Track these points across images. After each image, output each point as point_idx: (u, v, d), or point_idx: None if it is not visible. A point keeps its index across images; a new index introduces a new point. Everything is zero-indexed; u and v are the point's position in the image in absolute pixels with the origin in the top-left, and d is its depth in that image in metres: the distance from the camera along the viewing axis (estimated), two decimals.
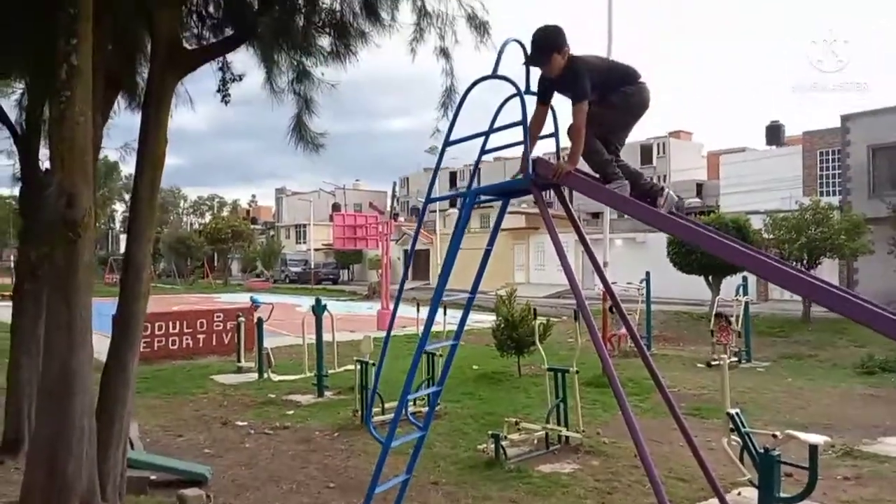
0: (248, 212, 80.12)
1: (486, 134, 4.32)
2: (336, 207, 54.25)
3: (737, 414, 5.35)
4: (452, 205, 42.54)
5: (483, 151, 4.48)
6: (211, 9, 5.50)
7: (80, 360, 4.00)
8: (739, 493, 5.47)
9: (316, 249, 52.05)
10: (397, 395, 5.44)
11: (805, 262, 18.51)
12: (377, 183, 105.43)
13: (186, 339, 13.98)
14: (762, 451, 4.75)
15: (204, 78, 5.53)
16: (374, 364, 7.73)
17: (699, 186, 44.80)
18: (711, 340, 13.53)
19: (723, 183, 36.18)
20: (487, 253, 4.58)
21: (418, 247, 36.02)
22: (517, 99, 4.00)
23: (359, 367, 8.15)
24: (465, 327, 4.80)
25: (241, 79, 5.80)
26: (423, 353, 4.79)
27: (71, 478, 3.93)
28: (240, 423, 8.18)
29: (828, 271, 22.21)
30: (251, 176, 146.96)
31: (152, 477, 5.67)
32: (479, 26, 5.37)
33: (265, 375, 11.11)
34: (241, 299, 23.53)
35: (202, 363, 13.01)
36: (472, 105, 4.46)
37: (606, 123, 3.93)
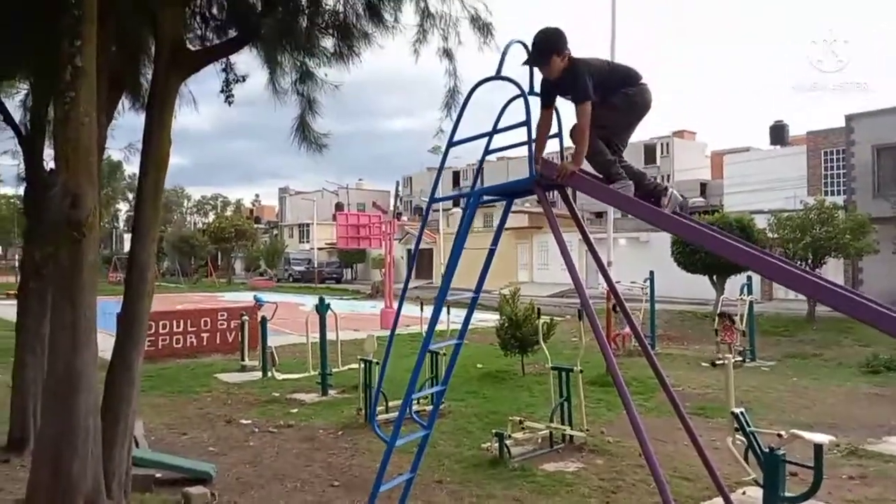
0: (251, 211, 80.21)
1: (490, 134, 4.33)
2: (339, 207, 54.31)
3: (741, 413, 5.34)
4: (456, 204, 42.59)
5: (487, 152, 4.49)
6: (214, 10, 5.51)
7: (85, 358, 4.02)
8: (744, 493, 5.46)
9: (319, 248, 52.14)
10: (401, 393, 5.45)
11: (810, 261, 18.46)
12: (380, 182, 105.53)
13: (190, 337, 14.02)
14: (767, 450, 4.74)
15: (207, 78, 5.55)
16: (377, 363, 7.75)
17: (703, 186, 44.70)
18: (716, 340, 13.50)
19: (727, 182, 36.12)
20: (491, 252, 4.59)
21: (421, 246, 36.00)
22: (521, 99, 4.01)
23: (362, 365, 8.17)
24: (469, 326, 4.81)
25: (244, 80, 5.81)
26: (427, 352, 4.80)
27: (76, 476, 3.95)
28: (244, 422, 8.20)
29: (833, 271, 22.17)
30: (255, 175, 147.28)
31: (157, 475, 5.69)
32: (483, 27, 5.36)
33: (269, 374, 11.13)
34: (245, 298, 23.58)
35: (206, 362, 13.05)
36: (476, 105, 4.46)
37: (609, 125, 3.94)
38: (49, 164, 6.58)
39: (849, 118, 25.93)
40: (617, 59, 12.94)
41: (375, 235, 22.64)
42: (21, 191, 7.67)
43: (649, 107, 4.06)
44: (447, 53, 5.58)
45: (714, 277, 19.65)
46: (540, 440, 6.98)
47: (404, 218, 52.34)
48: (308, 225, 57.99)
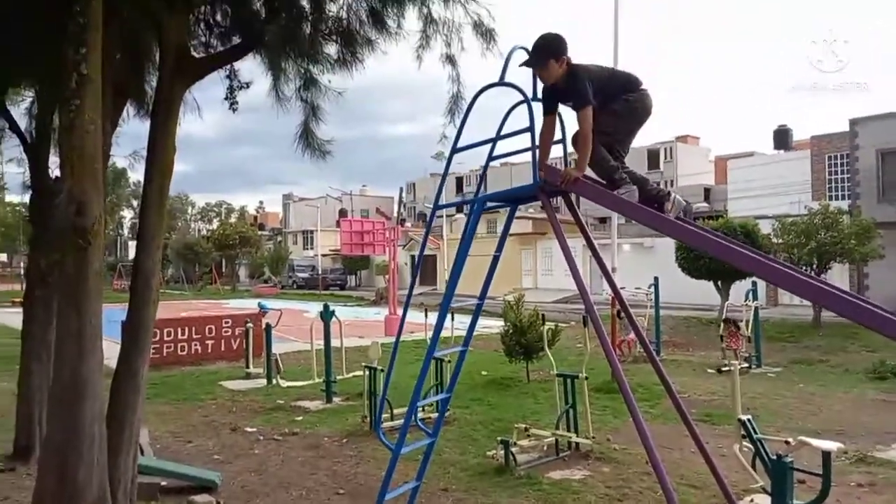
0: (255, 218, 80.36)
1: (494, 140, 4.34)
2: (343, 213, 54.45)
3: (748, 420, 5.31)
4: (459, 210, 42.61)
5: (490, 158, 4.50)
6: (218, 17, 5.52)
7: (91, 366, 4.01)
8: (752, 500, 5.41)
9: (323, 255, 52.17)
10: (406, 400, 5.43)
11: (815, 266, 18.40)
12: (384, 188, 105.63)
13: (195, 345, 14.02)
14: (775, 457, 4.71)
15: (211, 85, 5.57)
16: (382, 370, 7.73)
17: (707, 191, 44.64)
18: (721, 346, 13.44)
19: (731, 188, 36.08)
20: (496, 259, 4.58)
21: (425, 252, 36.04)
22: (524, 105, 4.02)
23: (367, 372, 8.15)
24: (473, 333, 4.80)
25: (248, 86, 5.83)
26: (431, 359, 4.79)
27: (82, 484, 3.93)
28: (249, 429, 8.19)
29: (838, 276, 22.08)
30: (258, 182, 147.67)
31: (163, 483, 5.69)
32: (486, 33, 5.37)
33: (274, 381, 11.12)
34: (250, 305, 23.59)
35: (211, 369, 13.05)
36: (479, 111, 4.47)
37: (610, 131, 3.96)
38: (54, 171, 6.61)
39: (853, 122, 25.88)
40: (621, 62, 13.03)
41: (379, 242, 22.65)
42: (26, 198, 7.70)
43: (650, 112, 4.09)
44: (450, 59, 5.59)
45: (719, 283, 19.59)
46: (546, 448, 6.95)
47: (408, 224, 52.42)
48: (312, 231, 58.08)
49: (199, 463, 6.68)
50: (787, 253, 18.49)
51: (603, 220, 35.50)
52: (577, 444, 7.00)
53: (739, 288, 17.90)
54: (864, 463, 6.62)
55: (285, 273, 52.44)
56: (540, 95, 4.08)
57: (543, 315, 10.77)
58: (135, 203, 69.27)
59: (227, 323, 14.65)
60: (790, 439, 4.87)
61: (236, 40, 5.39)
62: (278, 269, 52.91)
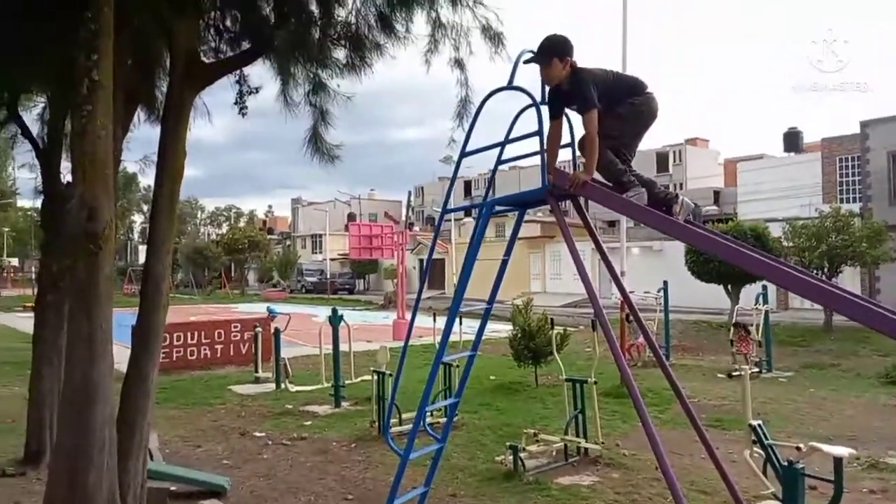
0: (264, 222, 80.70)
1: (502, 144, 4.34)
2: (351, 217, 54.53)
3: (759, 425, 5.27)
4: (468, 214, 42.60)
5: (499, 162, 4.50)
6: (228, 23, 5.55)
7: (101, 370, 4.03)
8: None
9: (332, 259, 52.32)
10: (414, 405, 5.43)
11: (826, 270, 18.27)
12: (392, 192, 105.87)
13: (204, 349, 14.07)
14: (786, 463, 4.67)
15: (220, 90, 5.59)
16: (390, 374, 7.73)
17: (716, 194, 44.44)
18: (731, 350, 13.37)
19: (740, 190, 35.90)
20: (504, 263, 4.58)
21: (434, 256, 36.00)
22: (533, 109, 4.02)
23: (375, 377, 8.15)
24: (482, 337, 4.79)
25: (257, 91, 5.85)
26: (440, 364, 4.78)
27: (92, 489, 3.95)
28: (258, 434, 8.21)
29: (849, 280, 21.93)
30: (267, 186, 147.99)
31: (172, 488, 5.70)
32: (494, 37, 5.37)
33: (282, 386, 11.14)
34: (258, 309, 23.68)
35: (220, 373, 13.08)
36: (488, 115, 4.47)
37: (616, 135, 3.97)
38: (66, 176, 6.67)
39: (864, 124, 25.73)
40: (629, 64, 13.03)
41: (387, 246, 22.69)
42: (38, 203, 7.77)
43: (656, 116, 4.10)
44: (458, 63, 5.60)
45: (729, 287, 19.49)
46: (554, 453, 6.92)
47: (416, 228, 52.48)
48: (320, 236, 58.25)
49: (209, 468, 6.69)
50: (798, 256, 18.37)
51: (612, 224, 35.40)
52: (586, 449, 6.97)
53: (749, 292, 17.79)
54: (876, 469, 6.55)
55: (294, 277, 52.60)
56: (546, 98, 4.09)
57: (552, 319, 10.73)
58: (145, 208, 69.78)
59: (236, 327, 14.70)
60: (801, 445, 4.83)
61: (246, 45, 5.42)
62: (287, 274, 53.07)
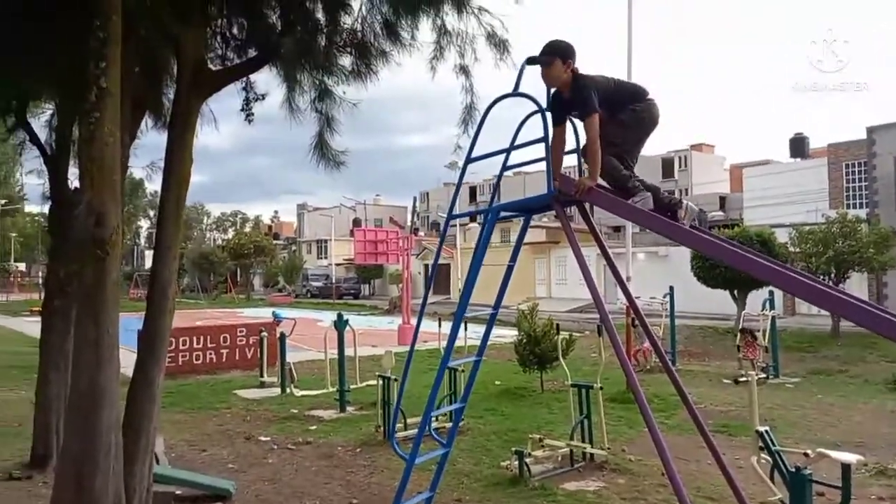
0: (270, 227, 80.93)
1: (508, 151, 4.35)
2: (357, 223, 54.64)
3: (766, 431, 5.25)
4: (473, 219, 42.62)
5: (504, 168, 4.51)
6: (235, 30, 5.59)
7: (108, 374, 4.05)
8: None
9: (337, 264, 52.39)
10: (419, 410, 5.43)
11: (833, 276, 18.20)
12: (397, 198, 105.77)
13: (210, 353, 14.10)
14: (793, 469, 4.64)
15: (227, 97, 5.63)
16: (395, 379, 7.73)
17: (722, 200, 44.39)
18: (738, 356, 13.31)
19: (746, 196, 35.82)
20: (510, 269, 4.59)
21: (439, 261, 36.03)
22: (538, 115, 4.04)
23: (381, 382, 8.15)
24: (487, 342, 4.79)
25: (263, 98, 5.89)
26: (445, 369, 4.78)
27: (98, 493, 3.96)
28: (263, 438, 8.22)
29: (856, 285, 21.81)
30: (273, 192, 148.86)
31: (177, 492, 5.71)
32: (499, 44, 5.39)
33: (288, 390, 11.15)
34: (264, 314, 23.71)
35: (225, 378, 13.11)
36: (493, 121, 4.49)
37: (618, 141, 3.99)
38: (74, 182, 6.71)
39: (870, 130, 25.65)
40: (634, 72, 13.03)
41: (393, 251, 22.72)
42: (46, 209, 7.82)
43: (657, 122, 4.13)
44: (464, 70, 5.62)
45: (735, 292, 19.43)
46: (560, 458, 6.90)
47: (421, 233, 52.51)
48: (326, 241, 58.38)
49: (214, 472, 6.70)
50: (805, 262, 18.31)
51: (617, 229, 35.36)
52: (591, 454, 6.95)
53: (756, 297, 17.73)
54: (884, 476, 6.51)
55: (299, 282, 52.71)
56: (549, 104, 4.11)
57: (558, 324, 10.72)
58: (151, 213, 70.04)
59: (241, 332, 14.73)
60: (809, 451, 4.81)
61: (252, 53, 5.46)
62: (292, 279, 53.19)
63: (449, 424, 6.64)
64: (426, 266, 45.08)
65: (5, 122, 7.30)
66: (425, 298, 5.50)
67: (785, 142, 38.49)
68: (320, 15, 5.28)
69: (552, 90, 4.13)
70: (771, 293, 14.39)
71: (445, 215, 5.39)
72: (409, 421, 7.86)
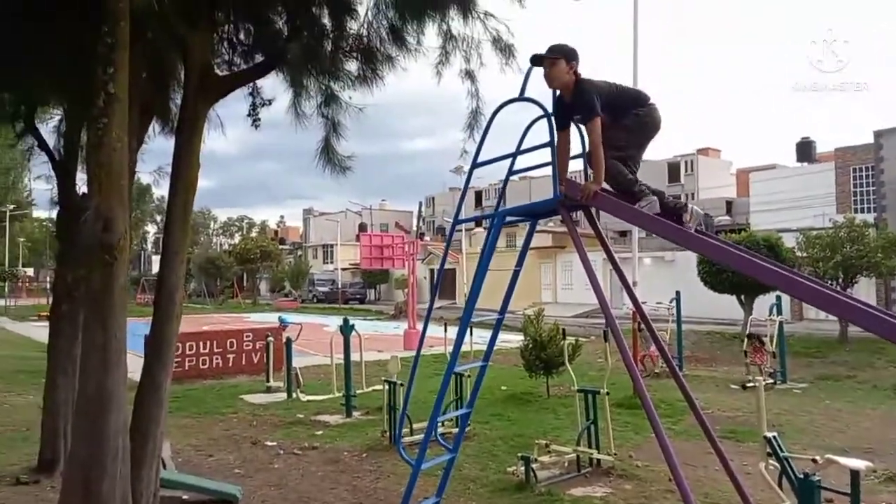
0: (276, 232, 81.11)
1: (514, 155, 4.36)
2: (363, 227, 54.75)
3: (774, 437, 5.22)
4: (479, 224, 42.63)
5: (510, 172, 4.51)
6: (242, 36, 5.62)
7: (116, 379, 4.06)
8: None
9: (343, 269, 52.46)
10: (425, 415, 5.43)
11: (841, 281, 18.09)
12: (403, 203, 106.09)
13: (216, 358, 14.12)
14: (801, 475, 4.61)
15: (233, 102, 5.66)
16: (401, 384, 7.73)
17: (729, 204, 44.20)
18: (745, 361, 13.25)
19: (753, 200, 35.69)
20: (516, 273, 4.58)
21: (445, 266, 36.03)
22: (544, 120, 4.04)
23: (387, 387, 8.15)
24: (493, 347, 4.78)
25: (270, 103, 5.92)
26: (451, 374, 4.78)
27: (105, 497, 3.97)
28: (269, 443, 8.22)
29: (865, 290, 21.69)
30: (279, 197, 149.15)
31: (184, 497, 5.72)
32: (505, 49, 5.40)
33: (294, 395, 11.16)
34: (270, 319, 23.76)
35: (232, 383, 13.13)
36: (499, 125, 4.50)
37: (622, 146, 4.00)
38: (81, 187, 6.74)
39: (877, 134, 25.56)
40: (640, 74, 13.02)
41: (398, 256, 22.73)
42: (54, 214, 7.85)
43: (659, 126, 4.15)
44: (469, 75, 5.63)
45: (742, 297, 19.34)
46: (567, 464, 6.88)
47: (427, 238, 52.54)
48: (332, 246, 58.47)
49: (220, 477, 6.71)
50: (812, 267, 18.21)
51: (623, 234, 35.30)
52: (598, 460, 6.92)
53: (763, 302, 17.64)
54: (893, 482, 6.45)
55: (305, 287, 52.76)
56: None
57: (564, 329, 10.70)
58: (158, 218, 70.36)
59: (247, 337, 14.75)
60: (817, 457, 4.78)
61: (259, 58, 5.48)
62: (299, 283, 53.26)
63: (455, 430, 6.63)
64: (432, 271, 45.09)
65: (14, 128, 7.35)
66: (431, 303, 5.49)
67: (790, 145, 38.56)
68: (326, 20, 5.31)
69: (556, 95, 4.13)
70: (778, 298, 14.32)
71: (451, 220, 5.40)
72: (415, 426, 7.85)
